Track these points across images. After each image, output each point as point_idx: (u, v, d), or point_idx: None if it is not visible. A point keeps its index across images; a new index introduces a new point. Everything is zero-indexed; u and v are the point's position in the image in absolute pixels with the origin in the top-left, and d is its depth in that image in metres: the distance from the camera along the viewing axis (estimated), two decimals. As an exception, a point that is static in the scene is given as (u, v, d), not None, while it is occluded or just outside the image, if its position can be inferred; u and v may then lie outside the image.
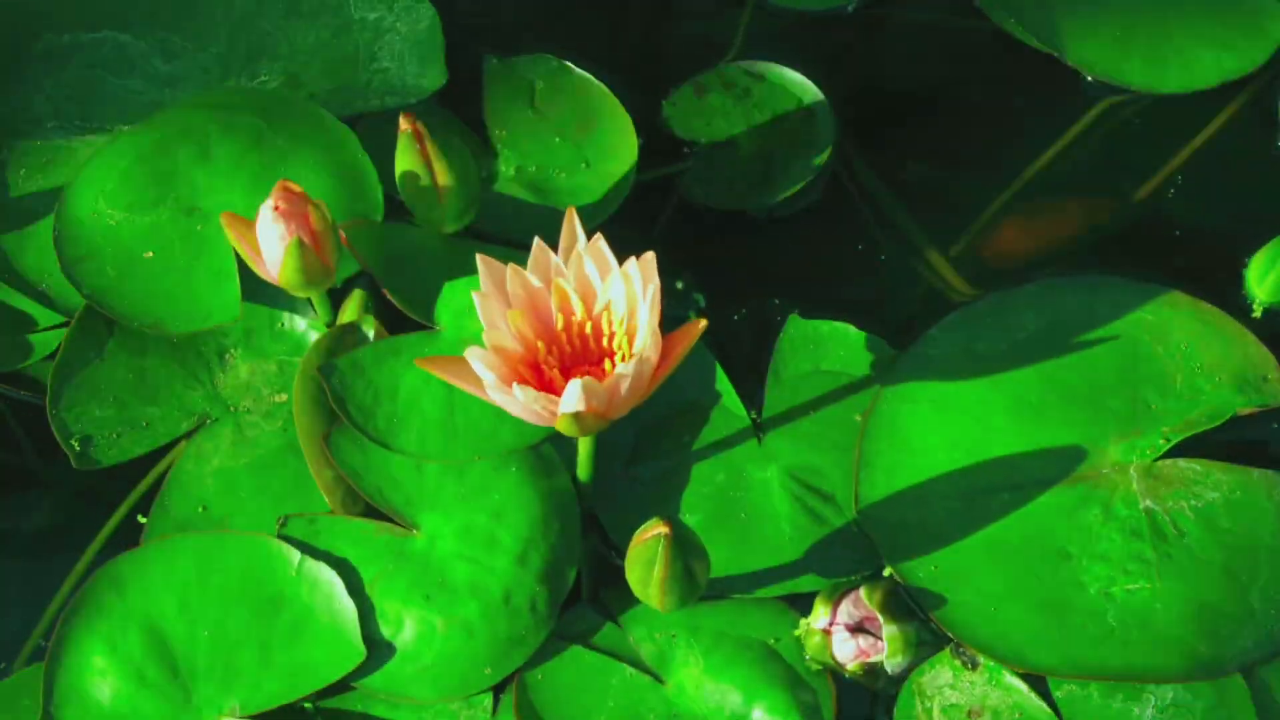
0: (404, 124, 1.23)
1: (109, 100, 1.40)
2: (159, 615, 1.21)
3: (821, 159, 1.42)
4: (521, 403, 1.11)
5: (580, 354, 1.17)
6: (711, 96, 1.45)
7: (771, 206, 1.42)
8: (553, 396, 1.11)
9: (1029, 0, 1.47)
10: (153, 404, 1.30)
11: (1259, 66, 1.46)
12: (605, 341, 1.16)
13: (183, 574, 1.22)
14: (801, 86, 1.46)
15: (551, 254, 1.16)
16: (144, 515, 1.27)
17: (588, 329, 1.16)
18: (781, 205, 1.42)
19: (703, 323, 1.15)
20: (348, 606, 1.20)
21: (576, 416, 1.11)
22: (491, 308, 1.15)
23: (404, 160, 1.26)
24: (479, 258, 1.15)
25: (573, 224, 1.16)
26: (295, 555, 1.21)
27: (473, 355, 1.11)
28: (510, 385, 1.10)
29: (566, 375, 1.16)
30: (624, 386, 1.11)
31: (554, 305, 1.16)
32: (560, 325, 1.16)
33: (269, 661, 1.20)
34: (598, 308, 1.16)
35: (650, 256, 1.14)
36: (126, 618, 1.21)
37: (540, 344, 1.16)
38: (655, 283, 1.14)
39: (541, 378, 1.15)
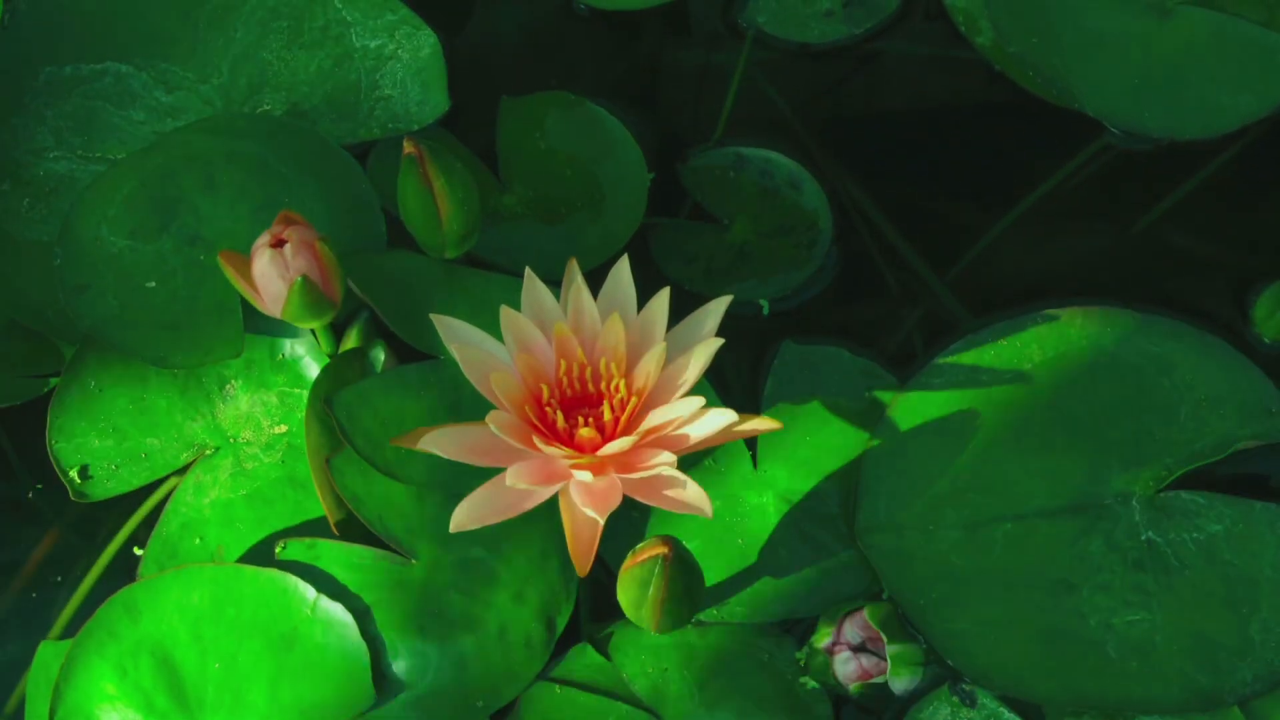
0: (407, 147, 1.23)
1: (111, 131, 1.39)
2: (171, 644, 1.21)
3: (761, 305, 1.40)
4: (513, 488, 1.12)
5: (581, 396, 1.18)
6: (744, 176, 1.43)
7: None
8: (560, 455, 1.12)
9: (1045, 56, 1.44)
10: (152, 435, 1.30)
11: (1278, 104, 1.43)
12: (604, 385, 1.17)
13: (198, 604, 1.22)
14: (821, 227, 1.41)
15: (542, 286, 1.17)
16: (140, 546, 1.27)
17: (587, 373, 1.17)
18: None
19: (772, 425, 1.17)
20: (360, 649, 1.20)
21: None
22: (474, 362, 1.15)
23: (406, 184, 1.25)
24: (434, 319, 1.17)
25: (573, 273, 1.17)
26: (311, 593, 1.21)
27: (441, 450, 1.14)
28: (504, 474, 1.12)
29: (568, 415, 1.16)
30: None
31: (553, 349, 1.17)
32: (562, 370, 1.16)
33: (277, 697, 1.19)
34: (598, 350, 1.17)
35: (660, 298, 1.17)
36: (138, 644, 1.21)
37: (544, 386, 1.16)
38: (661, 345, 1.15)
39: (545, 419, 1.16)
